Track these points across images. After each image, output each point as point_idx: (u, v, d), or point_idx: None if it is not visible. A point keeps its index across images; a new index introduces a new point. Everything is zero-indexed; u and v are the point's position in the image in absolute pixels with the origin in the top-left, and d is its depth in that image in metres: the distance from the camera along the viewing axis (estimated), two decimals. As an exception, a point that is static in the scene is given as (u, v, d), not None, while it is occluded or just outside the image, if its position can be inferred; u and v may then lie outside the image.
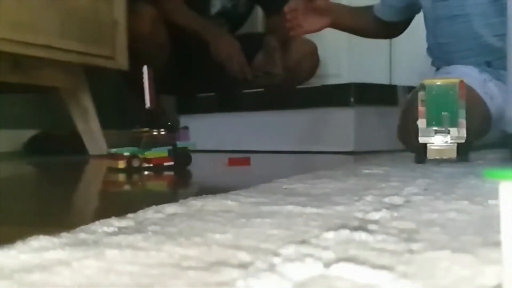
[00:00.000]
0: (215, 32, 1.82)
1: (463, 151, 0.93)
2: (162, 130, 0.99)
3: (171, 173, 0.96)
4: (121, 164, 0.95)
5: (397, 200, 0.49)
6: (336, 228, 0.34)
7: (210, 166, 1.18)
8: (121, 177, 0.92)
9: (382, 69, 2.34)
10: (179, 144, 1.00)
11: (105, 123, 1.62)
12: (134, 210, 0.42)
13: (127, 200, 0.66)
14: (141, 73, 0.99)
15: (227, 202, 0.48)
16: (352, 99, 1.60)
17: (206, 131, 1.81)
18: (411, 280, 0.24)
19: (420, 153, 0.94)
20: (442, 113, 0.92)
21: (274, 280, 0.23)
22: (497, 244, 0.25)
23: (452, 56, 1.27)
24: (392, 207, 0.45)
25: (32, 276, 0.25)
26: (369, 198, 0.50)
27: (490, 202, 0.46)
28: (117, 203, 0.62)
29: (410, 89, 1.50)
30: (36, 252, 0.29)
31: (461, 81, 0.93)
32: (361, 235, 0.32)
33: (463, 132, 0.92)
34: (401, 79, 2.01)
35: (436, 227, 0.36)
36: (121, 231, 0.35)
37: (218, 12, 1.96)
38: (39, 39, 1.31)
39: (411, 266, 0.26)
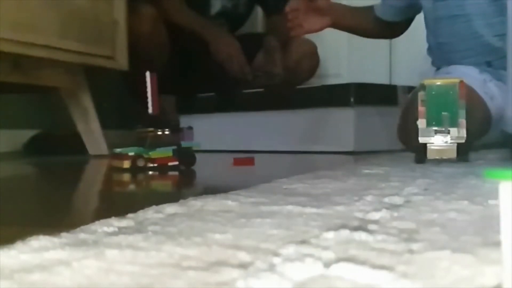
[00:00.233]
0: (215, 32, 1.82)
1: (463, 151, 0.93)
2: (167, 130, 1.00)
3: (176, 173, 0.97)
4: (126, 164, 0.96)
5: (397, 200, 0.49)
6: (336, 228, 0.34)
7: (215, 166, 1.18)
8: (123, 176, 0.92)
9: (382, 69, 2.34)
10: (184, 144, 1.01)
11: (105, 123, 1.62)
12: (134, 210, 0.42)
13: (127, 200, 0.66)
14: (144, 79, 1.00)
15: (227, 202, 0.48)
16: (352, 99, 1.60)
17: (206, 131, 1.81)
18: (411, 280, 0.24)
19: (420, 153, 0.94)
20: (442, 113, 0.92)
21: (274, 280, 0.23)
22: (497, 244, 0.25)
23: (452, 56, 1.27)
24: (392, 207, 0.45)
25: (32, 276, 0.25)
26: (369, 198, 0.50)
27: (490, 202, 0.46)
28: (117, 203, 0.62)
29: (410, 89, 1.50)
30: (36, 252, 0.29)
31: (461, 81, 0.93)
32: (361, 235, 0.32)
33: (463, 132, 0.92)
34: (401, 79, 2.01)
35: (436, 227, 0.36)
36: (121, 231, 0.35)
37: (218, 12, 1.96)
38: (39, 39, 1.31)
39: (411, 266, 0.26)
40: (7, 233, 0.38)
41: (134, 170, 0.96)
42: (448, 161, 0.92)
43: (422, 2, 1.30)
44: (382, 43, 2.16)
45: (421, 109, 0.93)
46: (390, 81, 2.27)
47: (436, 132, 0.92)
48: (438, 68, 1.33)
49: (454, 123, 0.92)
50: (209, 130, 1.85)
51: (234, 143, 1.81)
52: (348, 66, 2.36)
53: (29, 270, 0.26)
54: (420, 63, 1.60)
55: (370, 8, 1.47)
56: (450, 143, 0.92)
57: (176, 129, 1.01)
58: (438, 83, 0.94)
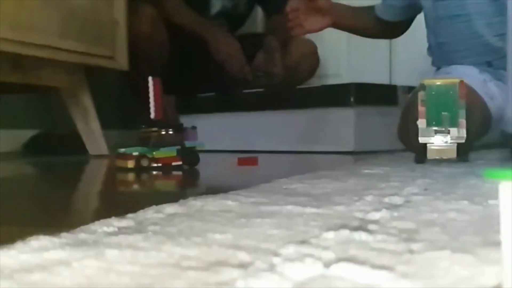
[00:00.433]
0: (215, 32, 1.82)
1: (463, 151, 0.93)
2: (171, 130, 1.00)
3: (179, 172, 0.97)
4: (130, 164, 0.96)
5: (397, 200, 0.49)
6: (336, 228, 0.34)
7: (219, 166, 1.18)
8: (123, 176, 0.92)
9: (382, 69, 2.34)
10: (187, 144, 1.01)
11: (105, 123, 1.62)
12: (134, 210, 0.42)
13: (127, 200, 0.66)
14: (147, 83, 1.00)
15: (227, 202, 0.48)
16: (352, 99, 1.60)
17: (206, 131, 1.81)
18: (411, 280, 0.24)
19: (420, 153, 0.94)
20: (442, 113, 0.92)
21: (274, 280, 0.23)
22: (497, 244, 0.25)
23: (452, 55, 1.27)
24: (392, 207, 0.45)
25: (32, 276, 0.25)
26: (369, 198, 0.50)
27: (490, 202, 0.46)
28: (117, 203, 0.62)
29: (410, 89, 1.50)
30: (36, 252, 0.29)
31: (461, 81, 0.93)
32: (361, 235, 0.32)
33: (463, 132, 0.92)
34: (401, 79, 2.01)
35: (436, 227, 0.36)
36: (121, 231, 0.35)
37: (218, 12, 1.96)
38: (39, 39, 1.31)
39: (411, 266, 0.26)
40: (7, 233, 0.38)
41: (138, 169, 0.96)
42: (448, 161, 0.92)
43: (422, 2, 1.30)
44: (382, 43, 2.16)
45: (421, 109, 0.93)
46: (390, 81, 2.27)
47: (436, 132, 0.92)
48: (438, 68, 1.33)
49: (454, 123, 0.92)
50: (209, 130, 1.85)
51: (234, 143, 1.81)
52: (348, 66, 2.36)
53: (29, 270, 0.26)
54: (420, 63, 1.60)
55: (371, 8, 1.47)
56: (450, 143, 0.92)
57: (180, 129, 1.02)
58: (438, 83, 0.94)
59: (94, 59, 1.48)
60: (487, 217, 0.40)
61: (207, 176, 0.96)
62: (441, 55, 1.31)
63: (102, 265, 0.27)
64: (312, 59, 1.93)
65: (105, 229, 0.36)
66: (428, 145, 0.92)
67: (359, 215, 0.41)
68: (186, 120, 1.77)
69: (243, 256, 0.28)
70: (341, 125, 1.62)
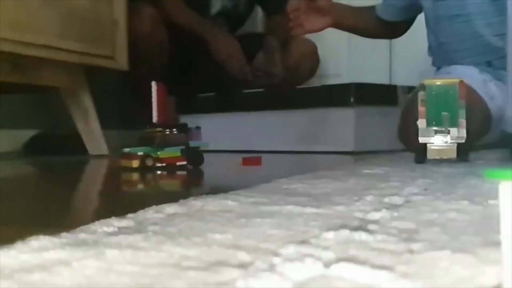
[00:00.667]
0: (215, 32, 1.82)
1: (463, 151, 0.93)
2: (175, 130, 1.01)
3: (184, 172, 0.98)
4: (135, 164, 0.97)
5: (397, 200, 0.49)
6: (336, 228, 0.34)
7: (223, 166, 1.18)
8: (123, 176, 0.92)
9: (382, 69, 2.34)
10: (192, 143, 1.02)
11: (105, 123, 1.62)
12: (134, 210, 0.42)
13: (127, 200, 0.66)
14: (150, 87, 1.01)
15: (227, 202, 0.48)
16: (352, 99, 1.60)
17: (206, 131, 1.81)
18: (411, 280, 0.24)
19: (420, 153, 0.94)
20: (442, 113, 0.92)
21: (274, 280, 0.23)
22: (497, 244, 0.25)
23: (452, 55, 1.27)
24: (392, 207, 0.45)
25: (32, 276, 0.25)
26: (369, 198, 0.50)
27: (490, 202, 0.46)
28: (117, 203, 0.62)
29: (410, 89, 1.50)
30: (36, 252, 0.29)
31: (461, 81, 0.93)
32: (361, 235, 0.32)
33: (463, 132, 0.92)
34: (401, 79, 2.01)
35: (436, 227, 0.36)
36: (121, 231, 0.35)
37: (218, 12, 1.96)
38: (39, 39, 1.31)
39: (411, 266, 0.26)
40: (7, 233, 0.38)
41: (143, 169, 0.96)
42: (448, 161, 0.92)
43: (423, 2, 1.31)
44: (382, 43, 2.16)
45: (421, 109, 0.93)
46: (390, 81, 2.27)
47: (436, 132, 0.92)
48: (438, 68, 1.33)
49: (454, 123, 0.92)
50: (209, 130, 1.84)
51: (234, 143, 1.81)
52: (348, 66, 2.36)
53: (29, 270, 0.26)
54: (420, 63, 1.60)
55: (371, 8, 1.47)
56: (450, 143, 0.92)
57: (184, 129, 1.02)
58: (438, 83, 0.94)
59: (94, 59, 1.48)
60: (487, 217, 0.40)
61: (212, 176, 0.97)
62: (441, 55, 1.31)
63: (102, 265, 0.26)
64: (312, 59, 1.93)
65: (105, 229, 0.36)
66: (428, 145, 0.92)
67: (359, 215, 0.41)
68: (186, 120, 1.77)
69: (243, 256, 0.28)
70: (341, 125, 1.62)
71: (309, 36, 1.77)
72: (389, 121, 1.34)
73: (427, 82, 0.94)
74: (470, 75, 1.15)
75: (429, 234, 0.34)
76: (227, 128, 1.88)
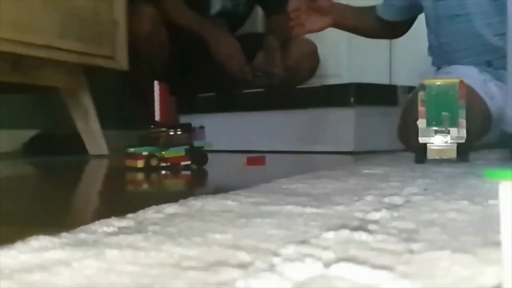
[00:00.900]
0: (215, 32, 1.82)
1: (463, 151, 0.93)
2: (179, 130, 1.01)
3: (188, 172, 0.98)
4: (140, 164, 0.97)
5: (397, 200, 0.49)
6: (336, 228, 0.34)
7: (226, 166, 1.18)
8: (123, 176, 0.92)
9: (382, 69, 2.34)
10: (196, 143, 1.02)
11: (105, 123, 1.62)
12: (134, 210, 0.42)
13: (127, 200, 0.66)
14: (151, 88, 1.01)
15: (227, 202, 0.48)
16: (352, 99, 1.60)
17: (206, 131, 1.81)
18: (411, 280, 0.24)
19: (420, 153, 0.94)
20: (442, 113, 0.92)
21: (274, 280, 0.23)
22: (497, 244, 0.25)
23: (452, 55, 1.27)
24: (392, 207, 0.45)
25: (32, 276, 0.25)
26: (369, 198, 0.50)
27: (490, 202, 0.46)
28: (117, 203, 0.62)
29: (410, 89, 1.50)
30: (36, 252, 0.29)
31: (461, 81, 0.93)
32: (361, 235, 0.32)
33: (463, 132, 0.92)
34: (401, 79, 2.01)
35: (436, 227, 0.36)
36: (121, 231, 0.35)
37: (218, 12, 1.96)
38: (39, 39, 1.31)
39: (411, 266, 0.26)
40: (7, 233, 0.38)
41: (148, 169, 0.97)
42: (448, 161, 0.92)
43: (423, 1, 1.30)
44: (382, 43, 2.16)
45: (421, 109, 0.93)
46: (390, 81, 2.27)
47: (436, 132, 0.92)
48: (438, 68, 1.33)
49: (454, 123, 0.92)
50: (209, 130, 1.84)
51: (234, 143, 1.81)
52: (348, 66, 2.36)
53: (29, 270, 0.26)
54: (420, 63, 1.60)
55: (372, 8, 1.47)
56: (450, 143, 0.92)
57: (188, 129, 1.03)
58: (438, 83, 0.94)
59: (94, 59, 1.48)
60: (487, 217, 0.40)
61: (216, 176, 0.97)
62: (441, 55, 1.31)
63: (102, 265, 0.26)
64: (312, 59, 1.93)
65: (105, 229, 0.36)
66: (428, 145, 0.92)
67: (359, 215, 0.41)
68: (186, 120, 1.77)
69: (243, 256, 0.28)
70: (341, 125, 1.62)
71: (309, 36, 1.77)
72: (389, 121, 1.34)
73: (427, 82, 0.94)
74: (470, 75, 1.15)
75: (429, 234, 0.34)
76: (227, 128, 1.88)
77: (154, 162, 0.98)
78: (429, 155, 0.92)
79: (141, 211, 0.43)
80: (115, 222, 0.38)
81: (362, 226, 0.36)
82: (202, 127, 1.06)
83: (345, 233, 0.33)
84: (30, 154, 1.72)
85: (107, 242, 0.32)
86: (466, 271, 0.25)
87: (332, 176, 0.72)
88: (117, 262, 0.27)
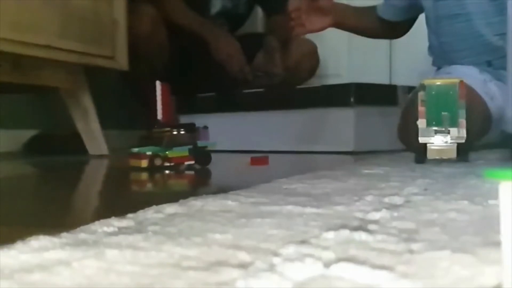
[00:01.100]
0: (215, 32, 1.82)
1: (463, 151, 0.93)
2: (183, 130, 1.02)
3: (192, 172, 0.98)
4: (144, 163, 0.98)
5: (397, 200, 0.49)
6: (336, 228, 0.34)
7: (230, 165, 1.18)
8: (123, 176, 0.92)
9: (382, 69, 2.34)
10: (199, 143, 1.02)
11: (105, 123, 1.62)
12: (134, 210, 0.42)
13: (127, 200, 0.66)
14: (152, 87, 1.02)
15: (227, 202, 0.48)
16: (352, 99, 1.60)
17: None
18: (411, 280, 0.24)
19: (420, 153, 0.94)
20: (442, 113, 0.92)
21: (274, 280, 0.23)
22: (497, 244, 0.25)
23: (453, 55, 1.27)
24: (392, 207, 0.45)
25: (32, 276, 0.25)
26: (369, 198, 0.50)
27: (490, 202, 0.46)
28: (117, 203, 0.62)
29: (410, 89, 1.50)
30: (36, 252, 0.29)
31: (461, 81, 0.93)
32: (361, 235, 0.32)
33: (463, 132, 0.92)
34: (401, 79, 2.01)
35: (436, 227, 0.36)
36: (121, 231, 0.35)
37: (218, 12, 1.96)
38: (39, 39, 1.31)
39: (411, 266, 0.26)
40: (7, 233, 0.38)
41: (152, 169, 0.97)
42: (448, 161, 0.92)
43: (423, 1, 1.30)
44: (382, 43, 2.16)
45: (421, 109, 0.93)
46: (390, 81, 2.27)
47: (436, 132, 0.92)
48: (438, 68, 1.33)
49: (454, 123, 0.92)
50: (209, 130, 1.84)
51: (235, 143, 1.81)
52: (348, 66, 2.36)
53: (29, 270, 0.26)
54: (420, 63, 1.60)
55: (373, 8, 1.47)
56: (450, 143, 0.92)
57: (192, 129, 1.03)
58: (438, 83, 0.94)
59: (94, 59, 1.48)
60: (487, 217, 0.40)
61: (219, 176, 0.97)
62: (441, 54, 1.31)
63: (102, 265, 0.27)
64: (312, 59, 1.93)
65: (105, 229, 0.36)
66: (428, 145, 0.92)
67: (359, 215, 0.41)
68: (186, 120, 1.77)
69: (243, 256, 0.28)
70: (341, 125, 1.62)
71: (309, 36, 1.77)
72: (389, 121, 1.34)
73: (427, 82, 0.94)
74: (470, 75, 1.15)
75: (429, 234, 0.34)
76: (227, 128, 1.88)
77: (158, 162, 0.99)
78: (429, 155, 0.92)
79: (141, 211, 0.43)
80: (115, 222, 0.38)
81: (362, 226, 0.36)
82: (206, 127, 1.06)
83: (345, 233, 0.33)
84: (30, 154, 1.72)
85: (107, 242, 0.32)
86: (466, 271, 0.25)
87: (332, 176, 0.72)
88: (117, 262, 0.27)
